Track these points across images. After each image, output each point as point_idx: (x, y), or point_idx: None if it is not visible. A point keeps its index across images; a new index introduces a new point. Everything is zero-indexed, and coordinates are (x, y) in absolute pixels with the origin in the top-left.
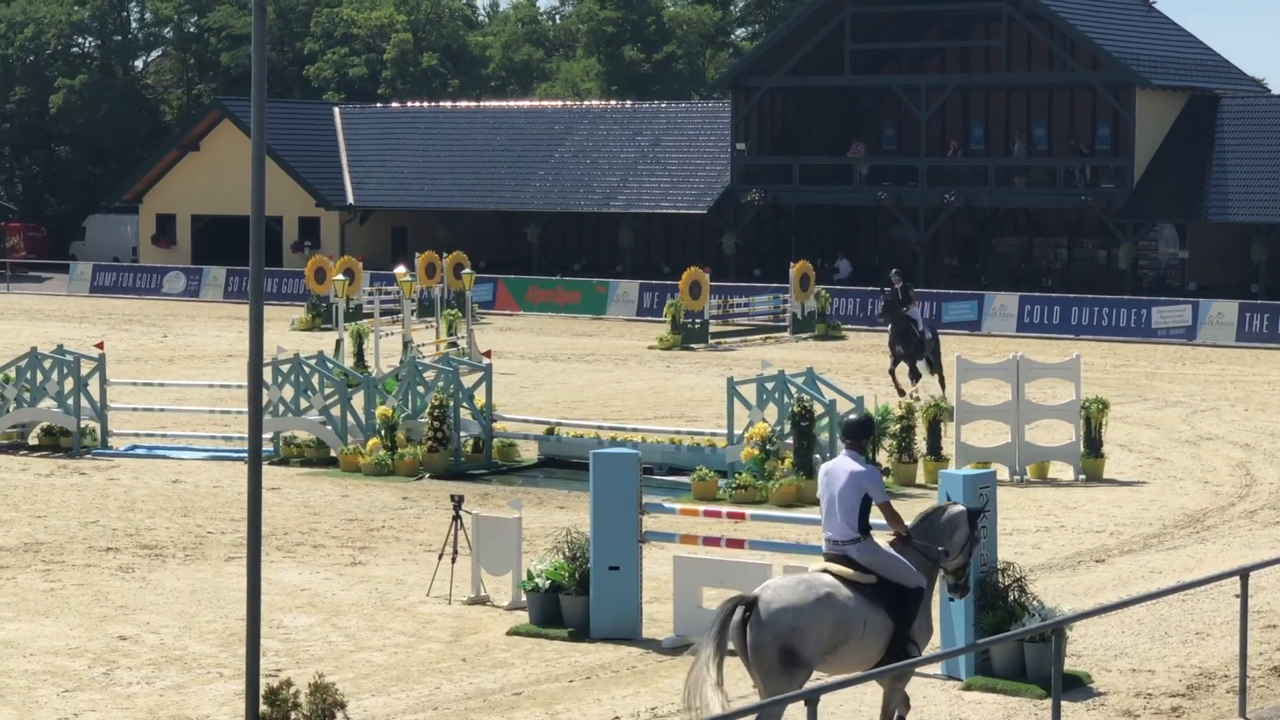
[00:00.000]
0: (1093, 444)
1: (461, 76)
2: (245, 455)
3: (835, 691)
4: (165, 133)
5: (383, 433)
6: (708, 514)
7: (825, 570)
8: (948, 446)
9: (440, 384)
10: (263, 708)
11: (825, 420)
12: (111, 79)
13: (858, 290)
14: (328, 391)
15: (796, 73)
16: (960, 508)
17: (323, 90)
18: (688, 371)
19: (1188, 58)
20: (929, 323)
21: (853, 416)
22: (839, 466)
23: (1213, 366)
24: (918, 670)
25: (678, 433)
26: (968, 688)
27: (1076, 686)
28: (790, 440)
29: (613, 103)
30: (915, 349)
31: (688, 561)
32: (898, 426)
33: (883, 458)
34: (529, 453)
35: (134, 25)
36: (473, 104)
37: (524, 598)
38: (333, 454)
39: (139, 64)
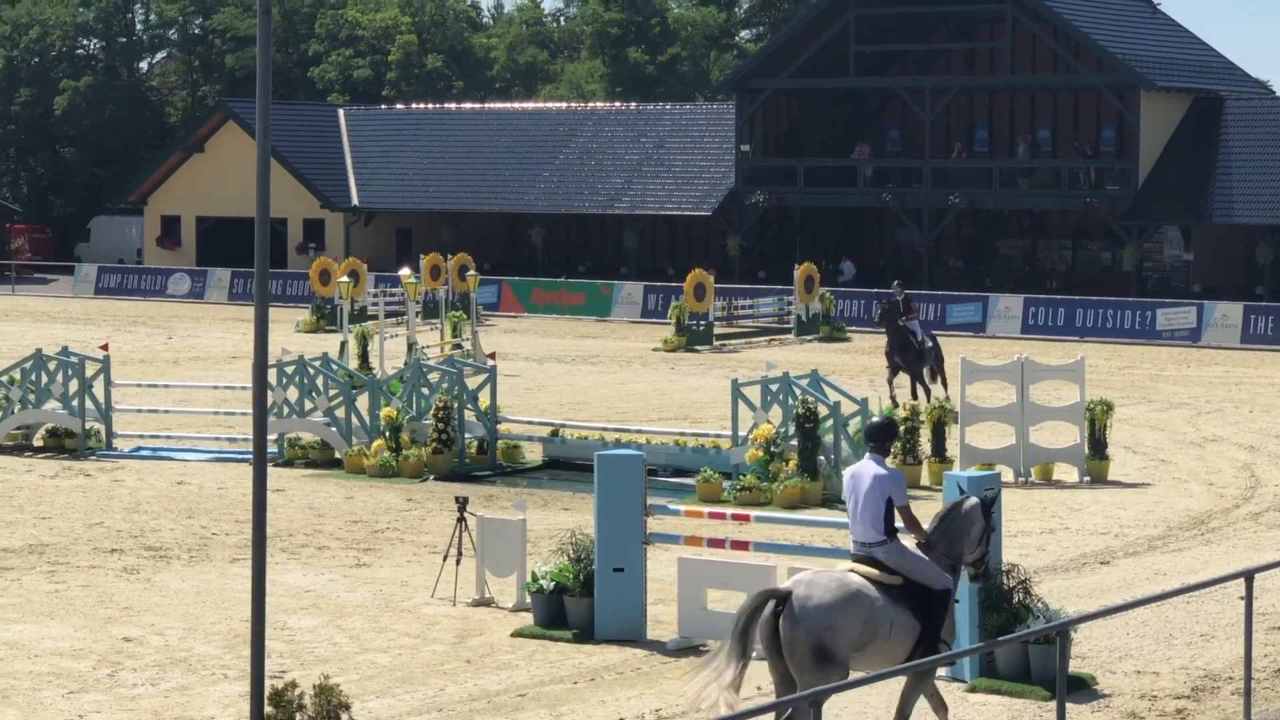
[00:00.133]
0: (1097, 446)
1: (466, 78)
2: (250, 457)
3: (834, 693)
4: (170, 134)
5: (387, 434)
6: (712, 516)
7: (853, 570)
8: (952, 448)
9: (445, 386)
10: (267, 709)
11: (829, 422)
12: (116, 81)
13: (862, 292)
14: (332, 393)
15: (801, 74)
16: (973, 500)
17: (327, 92)
18: (692, 373)
19: (1192, 59)
20: (928, 331)
21: (875, 420)
22: (864, 469)
23: (1217, 368)
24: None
25: (682, 434)
26: (972, 689)
27: (1081, 688)
28: (795, 442)
29: (617, 104)
30: (915, 359)
31: (692, 563)
32: (902, 429)
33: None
34: (533, 454)
35: (139, 27)
36: (477, 106)
37: (528, 599)
38: (337, 455)
39: (144, 66)
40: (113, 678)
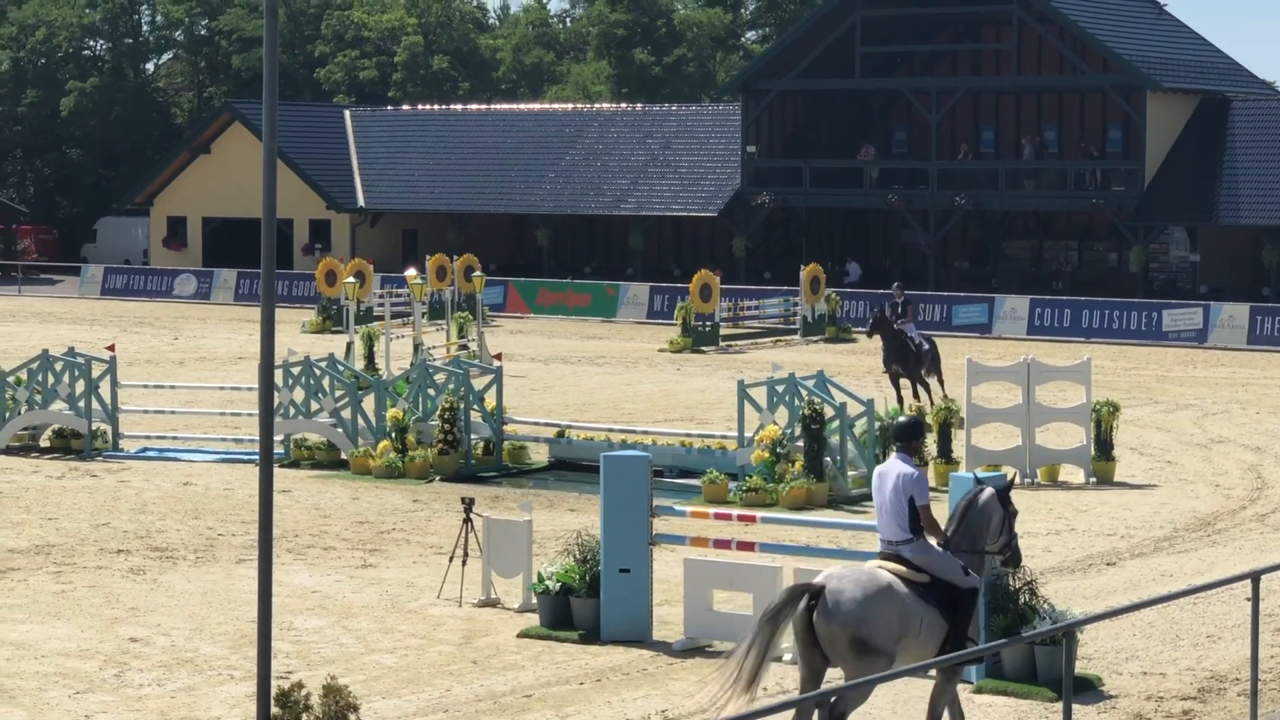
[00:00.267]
0: (1103, 447)
1: (472, 79)
2: (256, 457)
3: (841, 693)
4: (176, 135)
5: (393, 435)
6: (718, 516)
7: (882, 566)
8: (958, 449)
9: (451, 386)
10: (274, 710)
11: (835, 423)
12: (123, 82)
13: (868, 293)
14: (338, 394)
15: (807, 76)
16: (989, 492)
17: (333, 93)
18: (698, 374)
19: (1199, 60)
20: (923, 333)
21: (902, 419)
22: (889, 468)
23: (1224, 369)
24: (926, 674)
25: (688, 435)
26: (979, 690)
27: (1087, 689)
28: (800, 443)
29: (623, 105)
30: (913, 364)
31: (698, 564)
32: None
33: None
34: (539, 455)
35: (145, 28)
36: (483, 107)
37: (534, 600)
38: (343, 456)
39: (150, 67)
40: (119, 678)
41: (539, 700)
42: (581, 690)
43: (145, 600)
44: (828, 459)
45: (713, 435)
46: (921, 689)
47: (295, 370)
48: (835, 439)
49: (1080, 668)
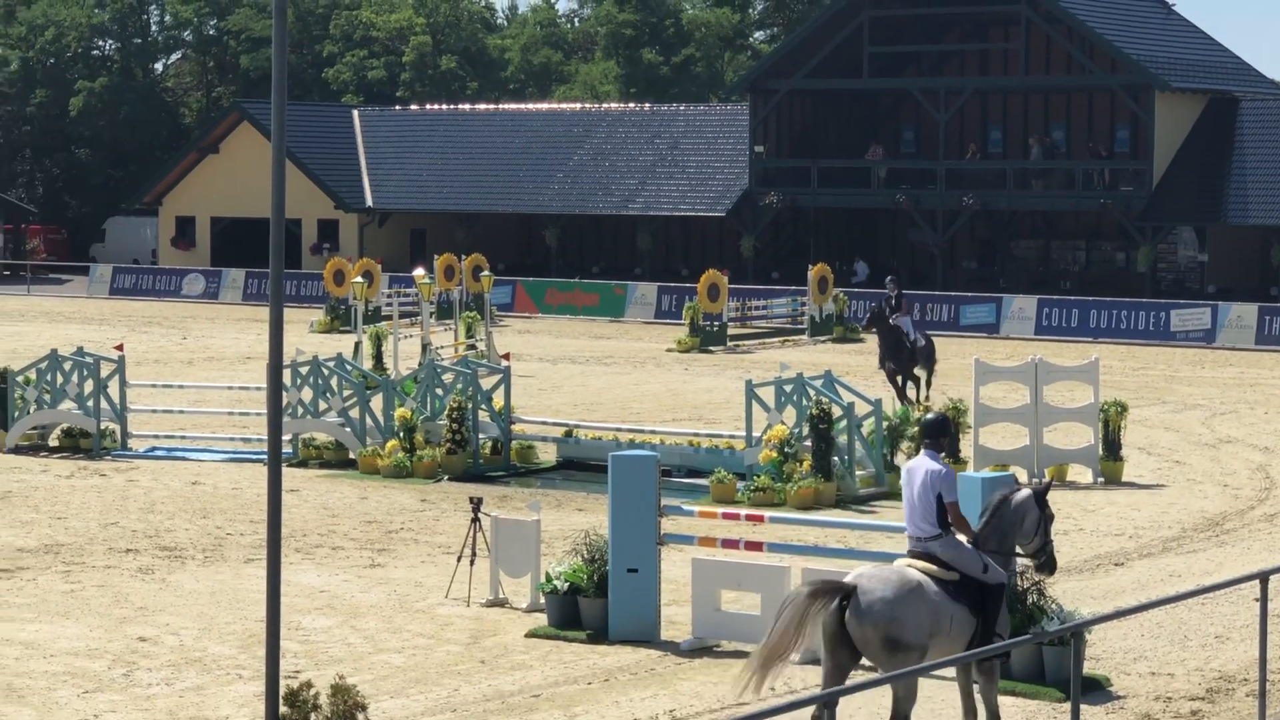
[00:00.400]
0: (1111, 447)
1: (480, 79)
2: (264, 457)
3: (847, 696)
4: (185, 135)
5: (401, 435)
6: (726, 516)
7: (911, 565)
8: (966, 449)
9: (459, 386)
10: (283, 709)
11: (843, 423)
12: (131, 81)
13: (876, 293)
14: (346, 394)
15: (815, 75)
16: (1025, 493)
17: (342, 93)
18: (706, 374)
19: (1207, 60)
20: (920, 328)
21: (929, 416)
22: (917, 465)
23: (1232, 369)
24: (936, 673)
25: (696, 435)
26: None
27: (1095, 690)
28: (809, 443)
29: (631, 105)
30: (907, 360)
31: (706, 564)
32: (917, 429)
33: (901, 460)
34: (547, 455)
35: (154, 28)
36: (491, 106)
37: (542, 600)
38: (351, 456)
39: (159, 67)
40: (128, 677)
41: (547, 700)
42: (589, 690)
43: (154, 600)
44: (835, 459)
45: (720, 435)
46: (930, 690)
47: (303, 370)
48: (843, 439)
49: (1088, 668)
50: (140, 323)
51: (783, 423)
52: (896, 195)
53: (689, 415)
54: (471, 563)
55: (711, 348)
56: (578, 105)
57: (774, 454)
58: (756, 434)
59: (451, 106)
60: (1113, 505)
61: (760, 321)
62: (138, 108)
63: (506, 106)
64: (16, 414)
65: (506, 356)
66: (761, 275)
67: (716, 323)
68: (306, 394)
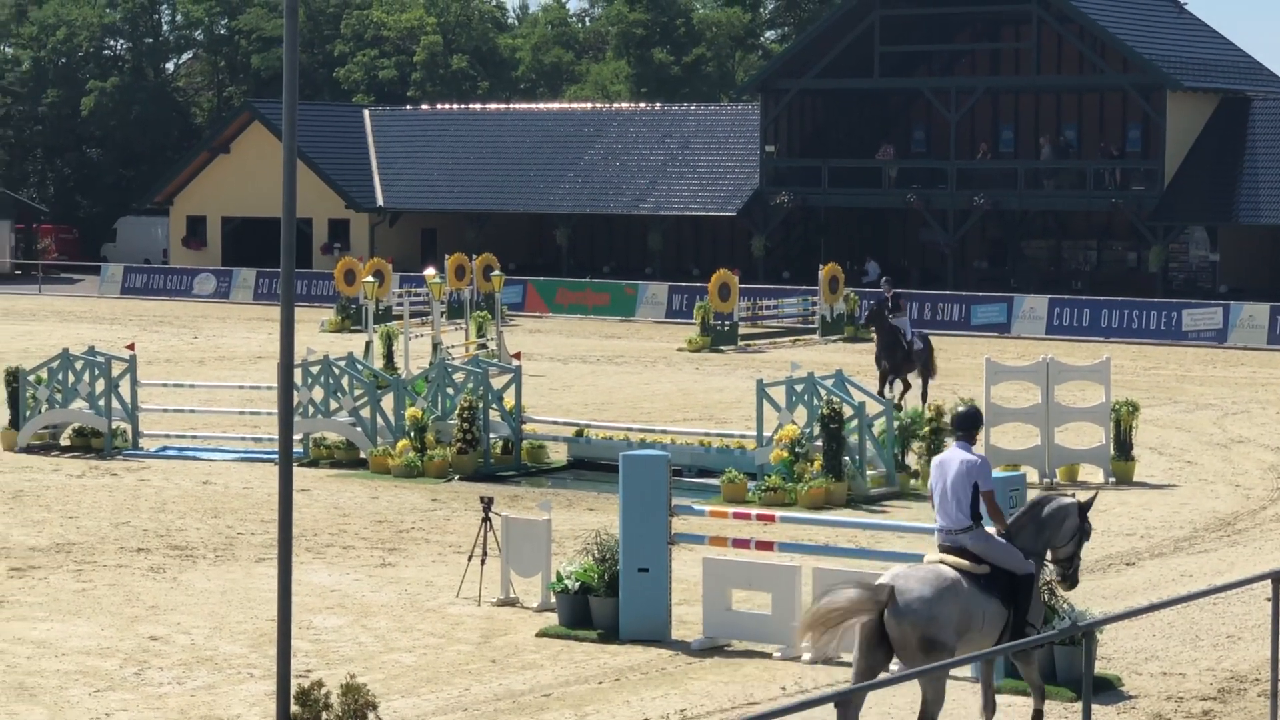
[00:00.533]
0: (1123, 447)
1: (491, 79)
2: (275, 456)
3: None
4: (196, 135)
5: (412, 434)
6: (737, 516)
7: (943, 562)
8: (977, 449)
9: (469, 386)
10: (294, 708)
11: (854, 423)
12: (143, 81)
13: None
14: (357, 393)
15: (826, 75)
16: (1070, 500)
17: (352, 92)
18: (717, 373)
19: (1219, 59)
20: (918, 331)
21: (961, 409)
22: (951, 457)
23: (1244, 369)
24: (948, 672)
25: (707, 435)
26: (998, 690)
27: (1107, 689)
28: (819, 443)
29: (642, 105)
30: (902, 360)
31: (717, 563)
32: (927, 429)
33: (912, 460)
34: (558, 454)
35: (165, 28)
36: (502, 106)
37: (553, 599)
38: (362, 455)
39: (170, 66)
40: (139, 676)
41: (558, 699)
42: (600, 689)
43: (165, 599)
44: (846, 458)
45: (731, 435)
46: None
47: (314, 369)
48: (854, 438)
49: (1100, 668)
50: (151, 322)
51: (794, 422)
52: (907, 195)
53: (700, 415)
54: (482, 562)
55: (722, 347)
56: (588, 105)
57: (785, 454)
58: (767, 434)
59: (462, 106)
60: (1124, 505)
61: (771, 321)
62: (149, 107)
63: (517, 106)
64: (28, 413)
65: (517, 356)
66: (772, 275)
67: (727, 322)
68: (317, 393)
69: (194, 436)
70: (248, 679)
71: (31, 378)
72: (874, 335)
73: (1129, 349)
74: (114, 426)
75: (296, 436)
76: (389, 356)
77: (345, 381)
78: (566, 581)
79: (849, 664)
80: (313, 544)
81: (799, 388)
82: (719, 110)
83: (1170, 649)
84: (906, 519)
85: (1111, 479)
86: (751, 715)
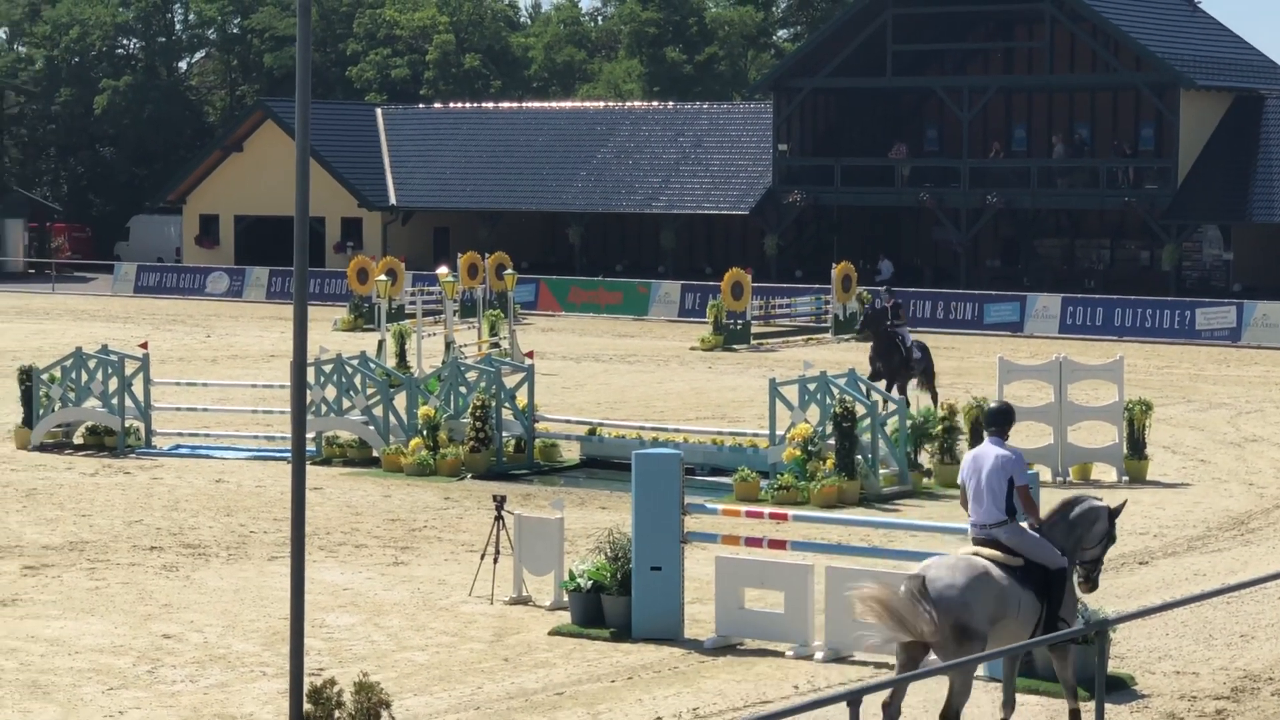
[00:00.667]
0: (1136, 446)
1: (503, 77)
2: (288, 455)
3: (870, 694)
4: (209, 133)
5: (425, 433)
6: (750, 515)
7: (976, 554)
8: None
9: (482, 384)
10: (306, 706)
11: (867, 421)
12: (156, 80)
13: (900, 291)
14: (370, 392)
15: (838, 74)
16: (1101, 503)
17: (365, 91)
18: (729, 372)
19: (1233, 58)
20: (918, 342)
21: (993, 405)
22: (985, 452)
23: (1258, 368)
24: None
25: (720, 433)
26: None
27: (1120, 688)
28: (832, 441)
29: (655, 104)
30: (898, 366)
31: (730, 562)
32: (940, 428)
33: (925, 459)
34: (571, 453)
35: (178, 27)
36: (515, 105)
37: (566, 598)
38: (375, 454)
39: (183, 65)
40: (152, 674)
41: (570, 698)
42: (613, 688)
43: (178, 597)
44: (859, 457)
45: (744, 433)
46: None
47: (327, 368)
48: (867, 437)
49: (1113, 667)
50: (164, 321)
51: (806, 421)
52: (920, 194)
53: (712, 414)
54: (495, 561)
55: (735, 346)
56: (601, 104)
57: (797, 452)
58: (780, 432)
59: (475, 105)
60: (1137, 504)
61: (784, 320)
62: (162, 106)
63: (530, 105)
64: (42, 412)
65: (530, 355)
66: (785, 274)
67: (740, 321)
68: (330, 392)
69: (207, 435)
70: (261, 677)
71: (45, 376)
72: (867, 338)
73: (1142, 348)
74: (127, 425)
75: (309, 435)
76: (402, 355)
77: (358, 380)
78: (579, 580)
79: (862, 662)
80: (325, 542)
81: (812, 386)
82: (731, 109)
83: (1184, 648)
84: (919, 517)
85: (1124, 478)
86: (764, 714)
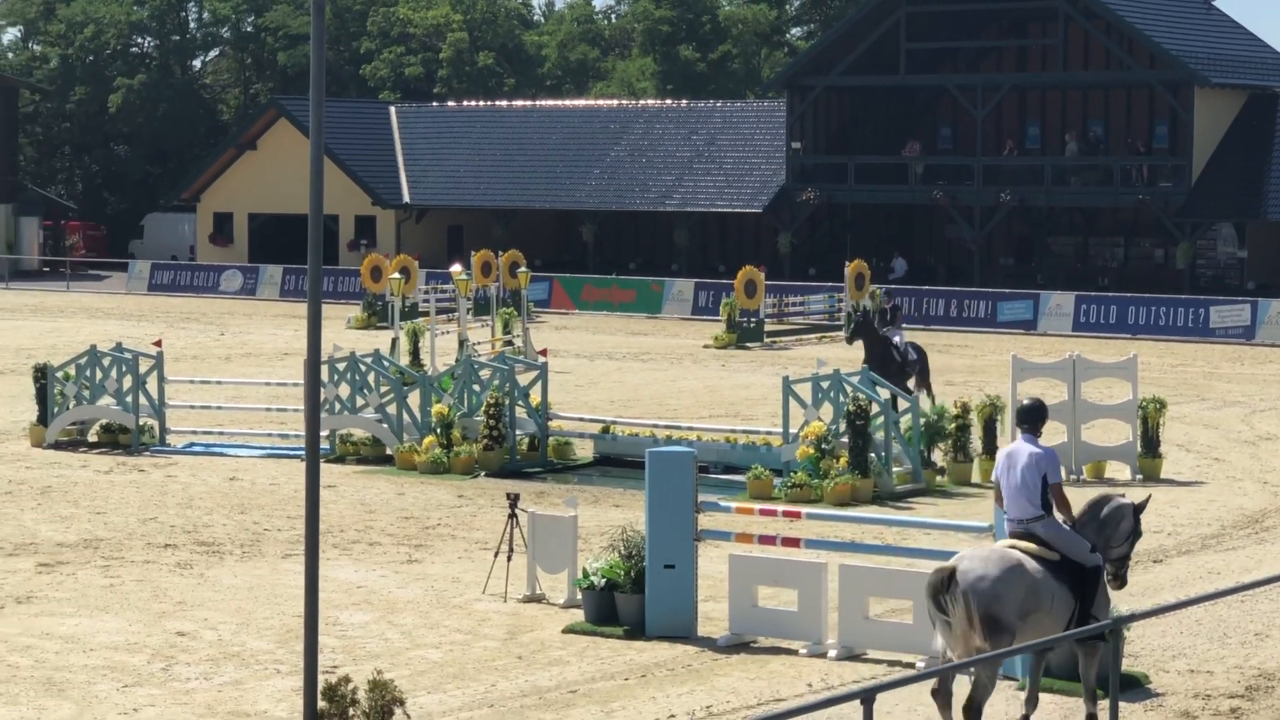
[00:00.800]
0: (1150, 444)
1: (517, 75)
2: (302, 453)
3: (885, 692)
4: (223, 132)
5: (438, 431)
6: (763, 512)
7: (1013, 547)
8: (1003, 446)
9: (496, 382)
10: (321, 704)
11: (881, 419)
12: (170, 78)
13: (913, 289)
14: (384, 389)
15: (852, 72)
16: (1127, 500)
17: (379, 89)
18: (743, 370)
19: (1247, 55)
20: (912, 342)
21: (1026, 402)
22: (1019, 449)
23: (1272, 366)
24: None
25: (733, 431)
26: (1024, 688)
27: (1134, 687)
28: (846, 439)
29: (668, 102)
30: (895, 374)
31: (743, 560)
32: (954, 426)
33: (938, 456)
34: (584, 451)
35: (192, 25)
36: (528, 103)
37: (579, 596)
38: (389, 452)
39: (197, 63)
40: (167, 671)
41: (584, 696)
42: (626, 686)
43: (192, 594)
44: (872, 455)
45: (757, 431)
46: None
47: (341, 366)
48: (880, 435)
49: (1127, 665)
50: (178, 319)
51: (820, 419)
52: (934, 191)
53: (726, 411)
54: (509, 558)
55: (748, 344)
56: (614, 101)
57: (811, 450)
58: (793, 430)
59: (488, 103)
60: (1152, 502)
61: (797, 318)
62: (176, 105)
63: (543, 103)
64: (56, 409)
65: (543, 352)
66: (798, 271)
67: (753, 319)
68: (344, 390)
69: (221, 433)
70: (275, 675)
71: (60, 374)
72: (853, 344)
73: (1156, 346)
74: (141, 423)
75: (323, 433)
76: (415, 353)
77: (372, 378)
78: (592, 578)
79: (876, 661)
80: (339, 540)
81: (825, 384)
82: (745, 107)
83: (1198, 646)
84: (933, 515)
85: (1138, 476)
86: (778, 712)
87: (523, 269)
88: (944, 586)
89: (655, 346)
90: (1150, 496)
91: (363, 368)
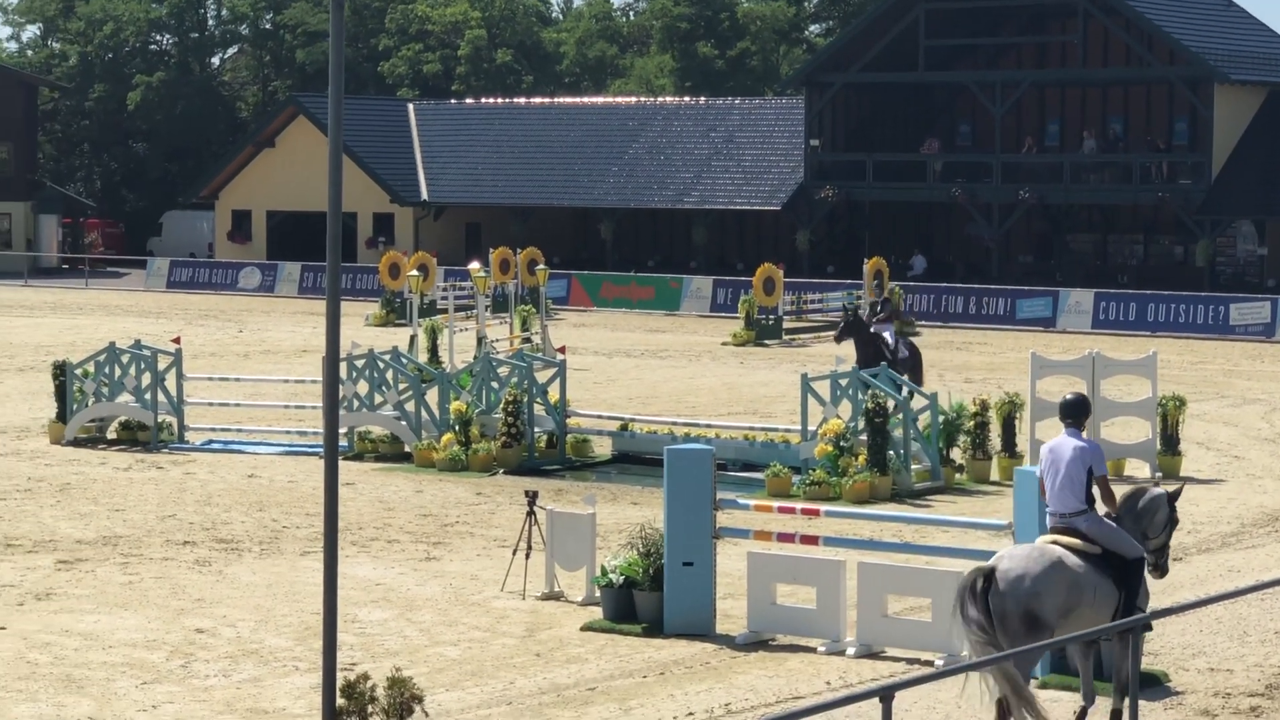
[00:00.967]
0: (1170, 442)
1: (535, 73)
2: (320, 450)
3: (902, 690)
4: (241, 129)
5: (457, 428)
6: (782, 510)
7: (1054, 542)
8: (1022, 443)
9: (514, 379)
10: (339, 701)
11: (899, 417)
12: (188, 76)
13: (932, 286)
14: (402, 387)
15: (870, 69)
16: (1160, 490)
17: (397, 87)
18: (761, 368)
19: (1267, 52)
20: (904, 339)
21: (1069, 397)
22: (1063, 444)
23: None
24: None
25: (752, 429)
26: (1044, 685)
27: (1154, 685)
28: (864, 437)
29: (686, 99)
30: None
31: (761, 558)
32: (972, 423)
33: (957, 454)
34: (603, 448)
35: (211, 22)
36: (547, 100)
37: (598, 593)
38: (407, 449)
39: (215, 61)
40: (185, 669)
41: (602, 693)
42: (644, 683)
43: (211, 592)
44: (891, 453)
45: (776, 429)
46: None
47: (359, 363)
48: (898, 433)
49: (1146, 664)
50: (197, 316)
51: (838, 416)
52: (952, 189)
53: (744, 409)
54: (527, 556)
55: (767, 341)
56: (633, 99)
57: (829, 448)
58: (812, 428)
59: (507, 100)
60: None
61: (816, 315)
62: (195, 102)
63: (562, 100)
64: (75, 406)
65: (562, 350)
66: (817, 269)
67: (772, 316)
68: (362, 387)
69: (239, 430)
70: (293, 672)
71: (79, 371)
72: (842, 341)
73: (1175, 343)
74: (160, 420)
75: (341, 430)
76: (434, 350)
77: (390, 375)
78: (611, 575)
79: (894, 658)
80: (358, 537)
81: (843, 382)
82: (763, 104)
83: (1218, 645)
84: (952, 513)
85: (1158, 474)
86: (796, 709)
87: (541, 266)
88: (980, 588)
89: (673, 344)
90: (1184, 485)
91: (381, 365)
